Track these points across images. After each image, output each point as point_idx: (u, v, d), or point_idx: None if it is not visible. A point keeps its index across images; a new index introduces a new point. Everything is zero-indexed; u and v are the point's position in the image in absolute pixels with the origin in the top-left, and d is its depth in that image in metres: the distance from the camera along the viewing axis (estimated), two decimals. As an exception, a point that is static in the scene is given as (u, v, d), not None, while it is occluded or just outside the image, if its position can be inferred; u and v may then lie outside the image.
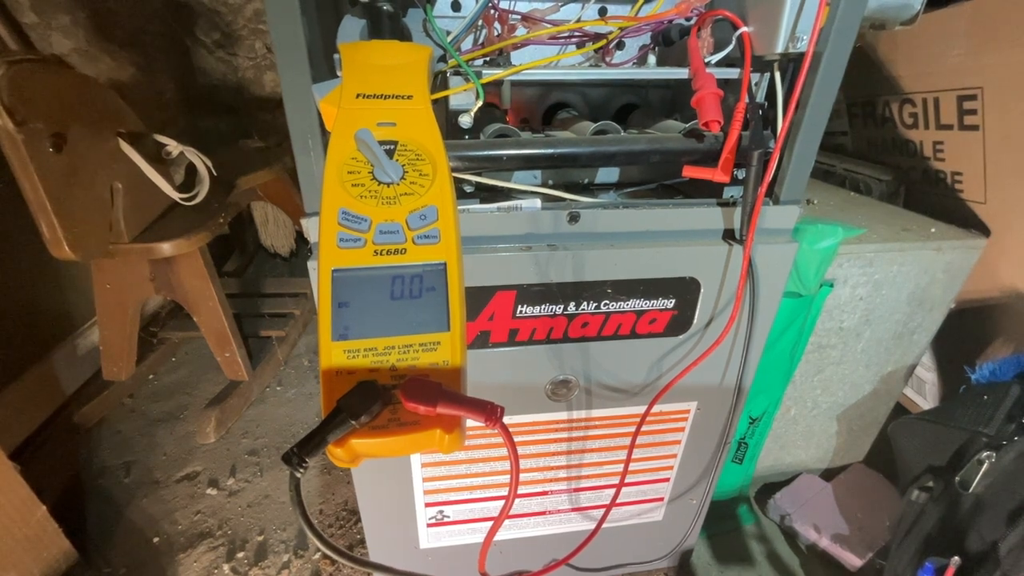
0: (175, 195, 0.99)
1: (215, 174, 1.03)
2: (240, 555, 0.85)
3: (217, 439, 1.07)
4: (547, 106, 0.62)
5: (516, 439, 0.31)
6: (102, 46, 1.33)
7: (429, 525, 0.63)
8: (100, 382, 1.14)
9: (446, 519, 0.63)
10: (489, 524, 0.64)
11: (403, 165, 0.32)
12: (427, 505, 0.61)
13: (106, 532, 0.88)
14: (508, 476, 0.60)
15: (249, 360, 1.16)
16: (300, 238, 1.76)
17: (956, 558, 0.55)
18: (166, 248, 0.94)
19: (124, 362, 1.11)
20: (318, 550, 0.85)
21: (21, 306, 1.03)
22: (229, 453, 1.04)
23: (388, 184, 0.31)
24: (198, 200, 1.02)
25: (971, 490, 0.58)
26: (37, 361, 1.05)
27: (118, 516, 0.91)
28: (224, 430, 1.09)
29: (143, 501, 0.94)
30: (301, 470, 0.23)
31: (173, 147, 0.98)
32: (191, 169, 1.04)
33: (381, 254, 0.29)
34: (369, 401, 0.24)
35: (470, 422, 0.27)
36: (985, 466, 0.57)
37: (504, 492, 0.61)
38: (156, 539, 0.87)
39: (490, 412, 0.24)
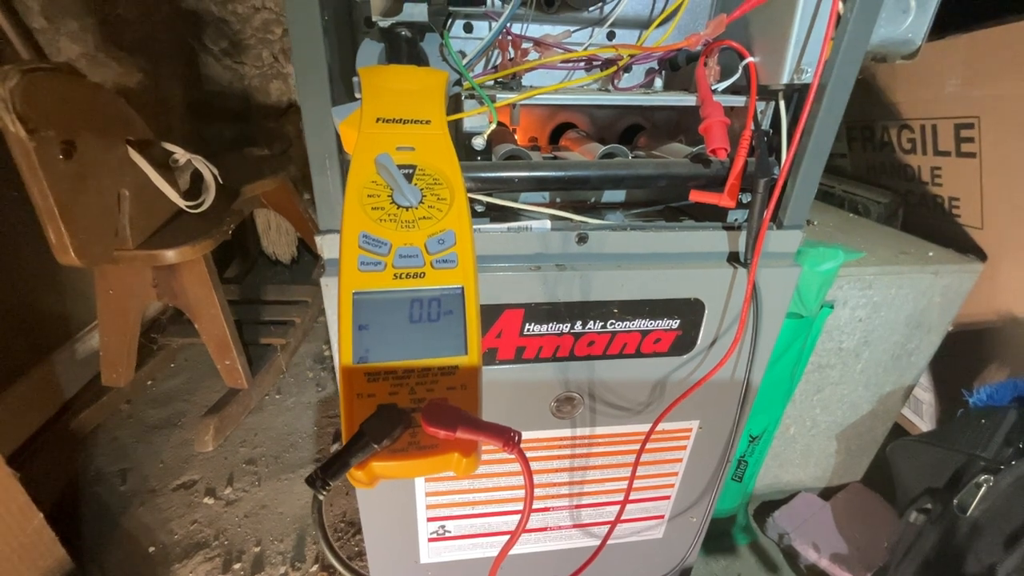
0: (181, 203, 1.00)
1: (221, 182, 1.03)
2: (236, 566, 0.84)
3: (215, 447, 1.06)
4: (555, 125, 0.64)
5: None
6: (110, 52, 1.34)
7: (430, 540, 0.63)
8: (98, 387, 1.13)
9: (447, 534, 0.63)
10: (490, 539, 0.64)
11: (421, 189, 0.33)
12: (429, 520, 0.61)
13: (101, 541, 0.87)
14: (511, 492, 0.61)
15: (249, 368, 1.16)
16: (302, 245, 1.77)
17: (954, 581, 0.56)
18: (170, 255, 0.94)
19: (123, 368, 1.11)
20: (316, 562, 0.85)
21: (21, 309, 1.03)
22: (227, 462, 1.04)
23: (407, 208, 0.32)
24: (204, 208, 1.02)
25: (969, 513, 0.58)
26: (36, 365, 1.05)
27: (114, 524, 0.90)
28: (222, 438, 1.08)
29: (139, 509, 0.93)
30: (324, 492, 0.23)
31: (180, 155, 0.99)
32: (196, 176, 1.04)
33: (400, 277, 0.30)
34: (390, 425, 0.24)
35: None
36: (983, 490, 0.57)
37: (507, 507, 0.62)
38: (152, 548, 0.86)
39: (508, 438, 0.25)
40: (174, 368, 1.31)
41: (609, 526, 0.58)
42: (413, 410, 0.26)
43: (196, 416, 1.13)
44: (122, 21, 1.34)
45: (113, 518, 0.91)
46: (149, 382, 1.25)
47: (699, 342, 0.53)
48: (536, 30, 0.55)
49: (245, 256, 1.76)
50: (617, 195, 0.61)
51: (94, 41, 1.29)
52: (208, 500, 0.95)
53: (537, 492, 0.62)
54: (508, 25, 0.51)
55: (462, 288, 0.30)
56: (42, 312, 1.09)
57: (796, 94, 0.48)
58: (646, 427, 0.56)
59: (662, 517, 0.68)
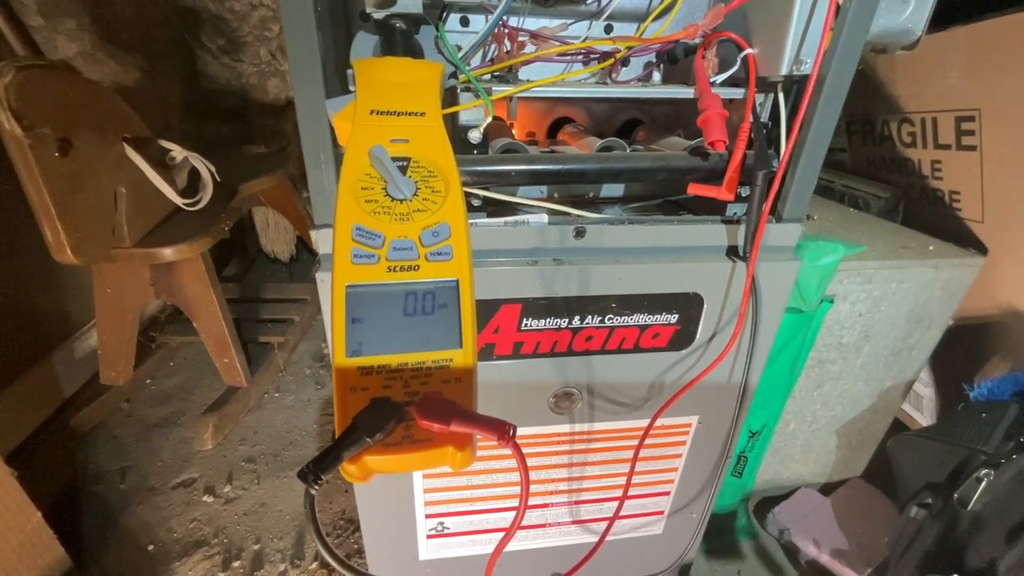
0: (179, 201, 0.99)
1: (219, 180, 1.03)
2: (236, 564, 0.84)
3: (214, 446, 1.06)
4: (552, 120, 0.63)
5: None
6: (107, 50, 1.33)
7: (429, 537, 0.62)
8: (97, 386, 1.13)
9: (446, 531, 0.62)
10: (489, 536, 0.64)
11: (416, 182, 0.33)
12: (428, 516, 0.60)
13: (101, 539, 0.87)
14: (510, 488, 0.60)
15: (248, 366, 1.15)
16: (300, 243, 1.77)
17: (955, 575, 0.55)
18: (168, 253, 0.94)
19: (122, 367, 1.11)
20: (315, 560, 0.85)
21: (19, 308, 1.03)
22: (226, 460, 1.04)
23: (401, 200, 0.32)
24: (201, 206, 1.02)
25: (969, 508, 0.58)
26: (34, 364, 1.05)
27: (113, 523, 0.90)
28: (222, 436, 1.08)
29: (138, 508, 0.93)
30: (316, 487, 0.23)
31: (178, 152, 0.98)
32: (194, 174, 1.04)
33: (394, 270, 0.29)
34: (384, 418, 0.24)
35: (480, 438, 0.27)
36: (983, 484, 0.57)
37: (506, 504, 0.61)
38: (151, 547, 0.86)
39: (503, 431, 0.24)
40: (173, 366, 1.31)
41: (608, 522, 0.58)
42: (407, 404, 0.26)
43: (195, 414, 1.13)
44: (119, 19, 1.34)
45: (112, 516, 0.91)
46: (148, 380, 1.25)
47: (698, 337, 0.53)
48: (533, 23, 0.55)
49: (244, 254, 1.76)
50: (615, 189, 0.60)
51: (91, 39, 1.29)
52: (207, 498, 0.95)
53: (536, 488, 0.61)
54: (504, 18, 0.51)
55: (457, 281, 0.29)
56: (40, 311, 1.08)
57: (795, 86, 0.47)
58: (645, 423, 0.56)
59: (662, 513, 0.67)
